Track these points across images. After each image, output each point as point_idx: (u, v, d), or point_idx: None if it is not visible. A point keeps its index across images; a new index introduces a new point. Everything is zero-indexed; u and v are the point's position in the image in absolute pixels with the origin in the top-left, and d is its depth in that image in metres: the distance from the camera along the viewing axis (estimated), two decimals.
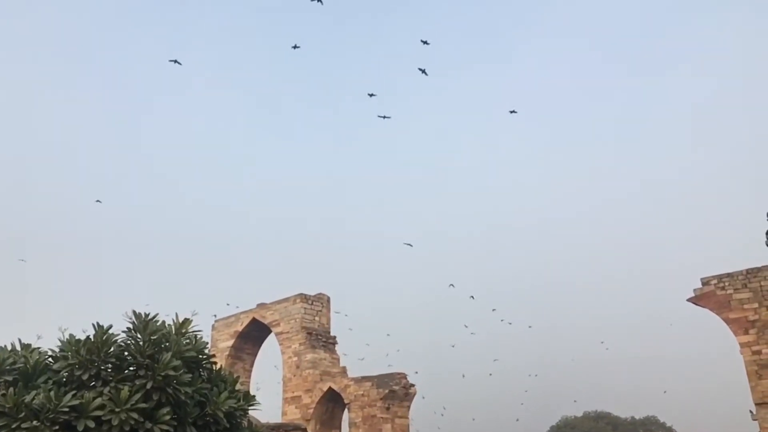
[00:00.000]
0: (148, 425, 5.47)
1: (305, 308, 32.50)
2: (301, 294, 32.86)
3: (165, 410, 5.59)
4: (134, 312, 6.03)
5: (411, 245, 36.72)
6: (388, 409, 27.75)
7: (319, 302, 33.37)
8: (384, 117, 32.35)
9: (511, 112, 30.22)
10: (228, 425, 6.24)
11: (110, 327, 5.95)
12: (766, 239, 22.57)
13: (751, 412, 21.18)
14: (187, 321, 6.34)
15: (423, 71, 28.92)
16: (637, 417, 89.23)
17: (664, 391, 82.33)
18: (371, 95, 35.41)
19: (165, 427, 5.54)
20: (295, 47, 30.53)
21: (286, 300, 33.24)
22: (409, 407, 28.73)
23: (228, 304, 36.98)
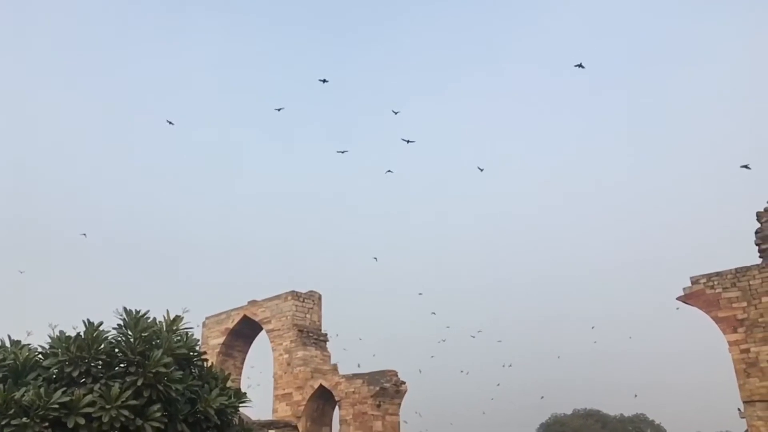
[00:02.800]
0: (139, 422, 5.46)
1: (297, 305, 32.49)
2: (293, 291, 32.84)
3: (156, 407, 5.59)
4: (125, 309, 6.02)
5: (376, 259, 37.48)
6: (378, 406, 27.78)
7: (311, 300, 33.37)
8: (408, 141, 32.80)
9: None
10: (219, 422, 6.23)
11: (101, 324, 5.94)
12: (755, 239, 22.75)
13: (739, 410, 21.37)
14: (178, 318, 6.33)
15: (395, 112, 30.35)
16: (626, 414, 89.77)
17: (635, 395, 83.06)
18: (396, 112, 36.88)
19: (156, 424, 5.53)
20: (324, 81, 31.06)
21: (277, 297, 33.21)
22: (399, 404, 28.79)
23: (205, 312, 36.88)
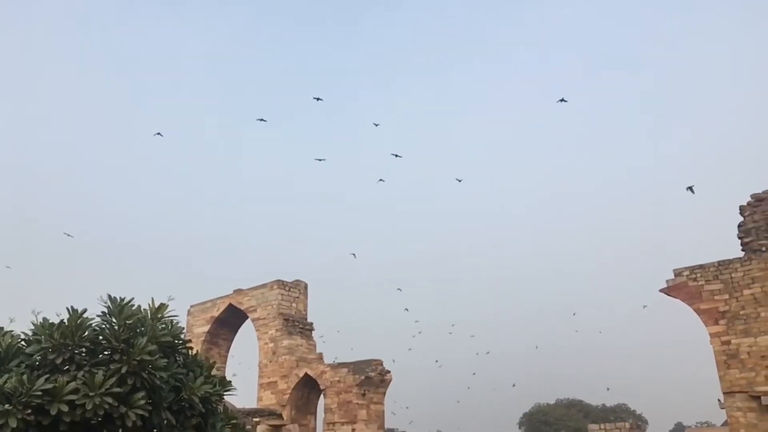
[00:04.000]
0: (123, 410, 5.43)
1: (282, 294, 32.46)
2: (279, 280, 32.79)
3: (140, 395, 5.56)
4: (109, 296, 5.97)
5: (354, 255, 38.26)
6: (363, 395, 27.88)
7: (297, 289, 33.35)
8: (396, 155, 34.03)
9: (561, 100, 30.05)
10: (203, 410, 6.21)
11: (84, 311, 5.88)
12: (738, 232, 22.98)
13: (719, 400, 21.65)
14: (163, 306, 6.29)
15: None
16: (608, 405, 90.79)
17: (608, 388, 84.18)
18: (376, 125, 38.24)
19: (140, 412, 5.50)
20: (317, 99, 31.47)
21: (263, 286, 33.15)
22: (384, 393, 28.90)
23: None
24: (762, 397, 20.24)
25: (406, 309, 44.91)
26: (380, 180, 38.94)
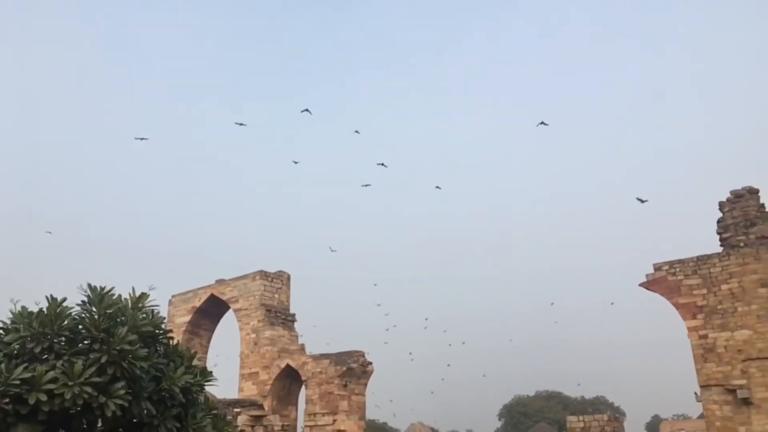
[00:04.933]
0: (102, 399, 5.40)
1: (265, 285, 32.36)
2: (261, 271, 32.67)
3: (120, 384, 5.52)
4: (89, 285, 5.92)
5: (334, 250, 38.70)
6: (345, 386, 27.92)
7: (279, 279, 33.25)
8: (382, 164, 34.69)
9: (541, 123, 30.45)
10: (184, 400, 6.19)
11: (64, 300, 5.83)
12: (717, 228, 23.28)
13: (695, 393, 21.98)
14: (144, 295, 6.24)
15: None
16: (586, 397, 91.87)
17: (578, 384, 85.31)
18: (357, 132, 39.01)
19: (119, 402, 5.47)
20: (305, 111, 31.76)
21: (245, 277, 33.02)
22: (366, 385, 28.96)
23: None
24: (738, 391, 20.58)
25: (378, 304, 45.56)
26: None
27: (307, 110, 32.31)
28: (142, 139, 32.40)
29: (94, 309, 5.77)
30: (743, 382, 20.61)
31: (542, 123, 29.60)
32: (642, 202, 26.39)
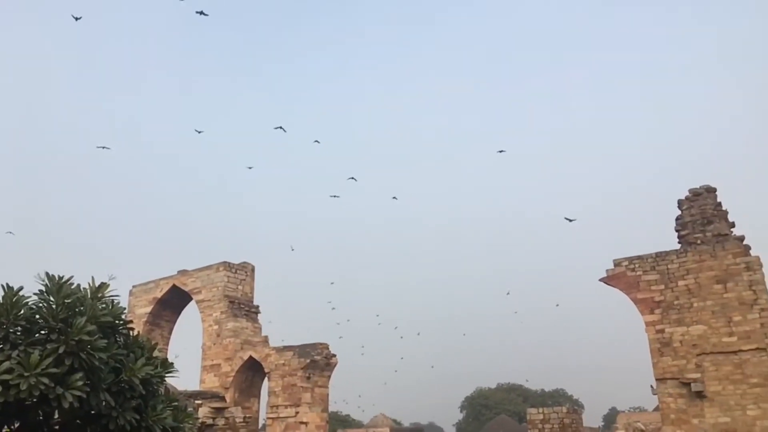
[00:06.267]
0: (59, 390, 5.29)
1: (228, 276, 32.06)
2: (225, 262, 32.35)
3: (77, 376, 5.41)
4: (47, 274, 5.78)
5: (293, 249, 39.45)
6: (308, 378, 27.89)
7: (243, 271, 32.98)
8: (353, 177, 35.38)
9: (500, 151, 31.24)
10: (144, 392, 6.10)
11: (21, 288, 5.68)
12: (676, 225, 23.84)
13: (652, 387, 22.51)
14: (103, 285, 6.12)
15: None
16: (546, 390, 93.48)
17: (526, 379, 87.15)
18: (317, 141, 39.84)
19: (77, 393, 5.36)
20: (201, 13, 30.32)
21: (208, 268, 32.66)
22: (329, 377, 28.97)
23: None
24: (692, 384, 21.15)
25: (329, 302, 46.31)
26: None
27: (280, 127, 32.66)
28: (104, 147, 32.79)
29: (51, 298, 5.64)
30: (697, 375, 21.19)
31: (501, 151, 30.65)
32: (570, 221, 27.54)
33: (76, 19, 26.96)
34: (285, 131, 32.26)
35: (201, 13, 27.64)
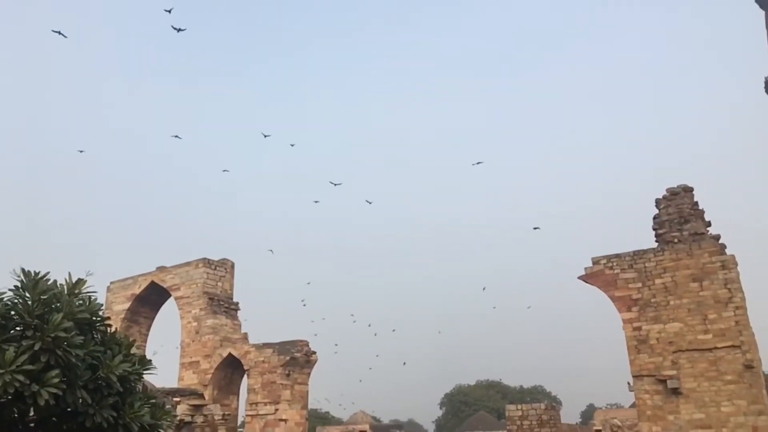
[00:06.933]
0: (35, 388, 5.22)
1: (208, 273, 31.83)
2: (204, 258, 32.12)
3: (53, 373, 5.34)
4: (23, 270, 5.70)
5: (272, 251, 39.75)
6: (288, 375, 27.81)
7: (223, 267, 32.77)
8: (335, 184, 35.68)
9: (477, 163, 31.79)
10: (121, 389, 6.04)
11: None
12: (653, 224, 24.12)
13: (628, 383, 22.78)
14: (80, 281, 6.05)
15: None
16: (525, 386, 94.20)
17: (500, 379, 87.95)
18: (266, 135, 40.03)
19: (53, 390, 5.29)
20: (265, 136, 31.75)
21: (187, 264, 32.40)
22: (309, 374, 28.91)
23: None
24: (668, 381, 21.43)
25: (303, 300, 46.39)
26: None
27: (266, 135, 33.43)
28: (81, 151, 33.55)
29: (27, 294, 5.57)
30: (673, 372, 21.47)
31: (478, 162, 31.10)
32: (535, 229, 29.03)
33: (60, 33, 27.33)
34: (266, 136, 32.78)
35: (178, 29, 27.86)
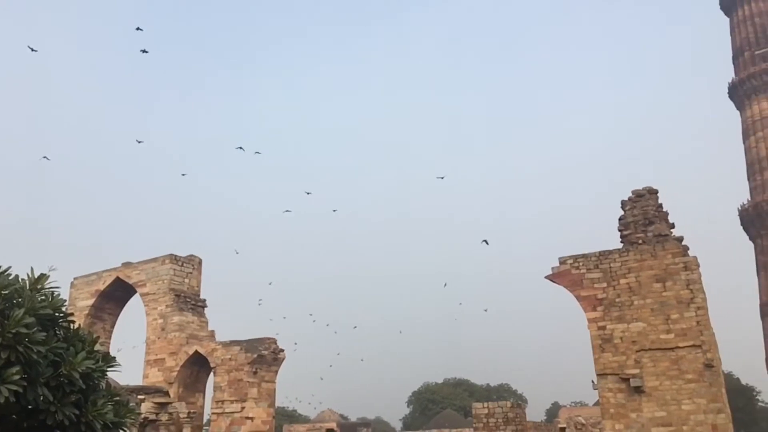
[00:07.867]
0: None
1: (175, 269, 31.45)
2: (171, 254, 31.72)
3: (14, 369, 5.23)
4: None
5: (237, 252, 40.71)
6: (255, 373, 27.64)
7: (190, 264, 32.41)
8: (308, 193, 36.96)
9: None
10: (84, 386, 5.93)
11: None
12: (619, 225, 24.50)
13: (592, 382, 23.13)
14: (43, 276, 5.93)
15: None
16: (492, 384, 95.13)
17: (465, 377, 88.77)
18: (258, 153, 41.27)
19: (13, 387, 5.18)
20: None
21: (154, 260, 31.97)
22: (277, 372, 28.77)
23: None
24: (631, 379, 21.81)
25: (260, 300, 46.93)
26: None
27: (240, 148, 34.28)
28: (45, 158, 33.77)
29: None
30: (636, 371, 21.86)
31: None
32: (485, 243, 29.69)
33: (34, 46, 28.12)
34: (243, 150, 33.67)
35: (144, 51, 29.67)
